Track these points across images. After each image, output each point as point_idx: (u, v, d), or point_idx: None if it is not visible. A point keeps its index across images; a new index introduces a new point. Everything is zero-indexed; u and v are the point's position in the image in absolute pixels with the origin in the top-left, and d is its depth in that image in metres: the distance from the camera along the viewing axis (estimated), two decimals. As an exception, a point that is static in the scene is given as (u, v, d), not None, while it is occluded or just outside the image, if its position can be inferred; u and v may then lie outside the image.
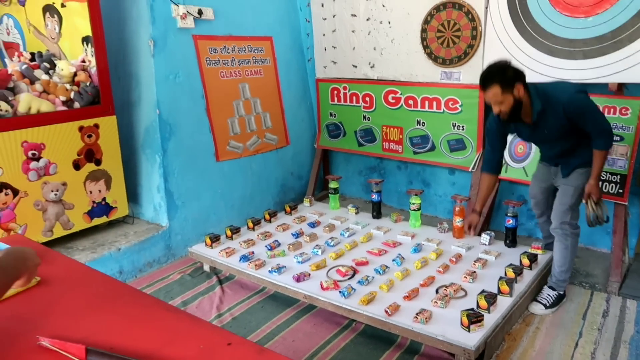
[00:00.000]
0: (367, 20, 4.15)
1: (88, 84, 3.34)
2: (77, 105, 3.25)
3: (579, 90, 2.61)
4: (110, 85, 3.38)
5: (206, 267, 3.47)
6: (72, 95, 3.24)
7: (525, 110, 2.64)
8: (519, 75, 2.57)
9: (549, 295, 2.91)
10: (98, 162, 3.37)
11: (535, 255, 3.08)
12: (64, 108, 3.19)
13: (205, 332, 1.17)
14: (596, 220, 2.78)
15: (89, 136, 3.29)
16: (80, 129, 3.24)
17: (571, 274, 3.03)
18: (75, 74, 3.36)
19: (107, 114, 3.38)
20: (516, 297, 2.72)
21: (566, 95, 2.58)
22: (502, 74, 2.54)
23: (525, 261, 3.02)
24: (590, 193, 2.73)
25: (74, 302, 1.31)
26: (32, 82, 3.16)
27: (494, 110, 2.64)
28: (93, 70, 3.35)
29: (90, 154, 3.31)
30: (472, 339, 2.33)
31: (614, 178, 3.18)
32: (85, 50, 3.42)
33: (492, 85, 2.54)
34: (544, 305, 2.86)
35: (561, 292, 2.94)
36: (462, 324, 2.42)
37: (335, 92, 4.57)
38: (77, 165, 3.25)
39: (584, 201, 2.79)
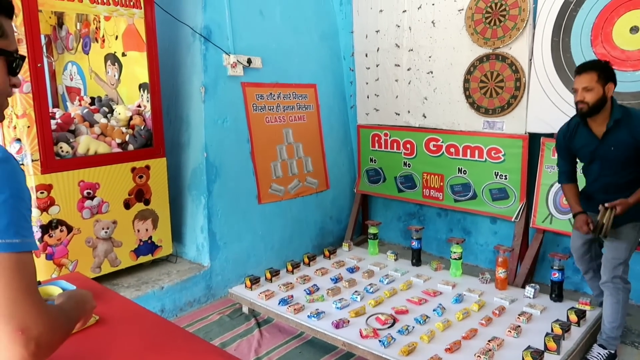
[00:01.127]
0: (409, 70, 4.24)
1: (142, 127, 3.52)
2: (131, 147, 3.42)
3: None
4: (163, 128, 3.55)
5: (245, 309, 3.50)
6: (127, 138, 3.42)
7: (603, 114, 2.62)
8: (613, 78, 2.61)
9: (599, 354, 2.78)
10: (147, 202, 3.50)
11: (584, 312, 2.97)
12: (119, 150, 3.36)
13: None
14: (600, 231, 2.60)
15: (140, 177, 3.44)
16: (133, 169, 3.39)
17: (622, 332, 2.91)
18: (131, 118, 3.55)
19: (158, 156, 3.53)
20: (564, 355, 2.61)
21: None
22: (604, 66, 2.60)
23: (573, 317, 2.92)
24: (616, 204, 2.55)
25: (130, 343, 1.36)
26: (91, 125, 3.36)
27: (578, 97, 2.61)
28: (147, 114, 3.53)
29: (140, 194, 3.45)
30: (518, 398, 2.25)
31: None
32: (142, 95, 3.63)
33: (591, 71, 2.58)
34: None
35: (612, 351, 2.81)
36: (507, 381, 2.35)
37: (376, 138, 4.64)
38: (127, 205, 3.38)
39: (600, 208, 2.61)
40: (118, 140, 3.37)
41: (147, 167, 3.48)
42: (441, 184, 4.24)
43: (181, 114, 3.84)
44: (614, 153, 2.65)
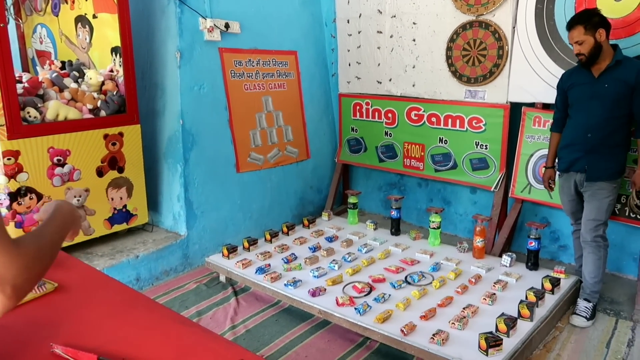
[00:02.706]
0: (391, 37, 4.15)
1: (115, 93, 3.40)
2: (103, 113, 3.31)
3: None
4: (136, 94, 3.44)
5: (222, 278, 3.47)
6: (98, 103, 3.31)
7: (603, 55, 2.74)
8: (604, 22, 2.71)
9: (586, 307, 2.91)
10: (121, 170, 3.42)
11: (558, 280, 3.00)
12: (90, 116, 3.25)
13: (219, 348, 1.16)
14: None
15: (113, 144, 3.34)
16: (105, 136, 3.29)
17: (596, 300, 2.98)
18: (103, 83, 3.43)
19: (132, 123, 3.43)
20: (537, 321, 2.65)
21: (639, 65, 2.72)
22: (587, 17, 2.72)
23: (547, 285, 2.95)
24: (635, 182, 2.85)
25: (89, 310, 1.32)
26: (61, 90, 3.24)
27: (575, 50, 2.77)
28: (120, 79, 3.42)
29: (114, 162, 3.37)
30: (490, 363, 2.27)
31: (642, 203, 3.09)
32: (114, 60, 3.50)
33: (577, 25, 2.72)
34: (585, 317, 2.87)
35: (595, 303, 2.95)
36: (479, 347, 2.37)
37: (358, 107, 4.57)
38: (100, 172, 3.30)
39: (634, 192, 2.96)
40: (89, 106, 3.26)
41: (121, 134, 3.38)
42: (422, 153, 4.21)
43: (156, 80, 3.72)
44: (606, 90, 2.77)
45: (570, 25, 2.77)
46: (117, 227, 3.47)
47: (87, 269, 1.60)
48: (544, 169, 3.23)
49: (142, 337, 1.19)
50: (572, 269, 3.31)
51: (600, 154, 2.81)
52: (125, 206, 3.48)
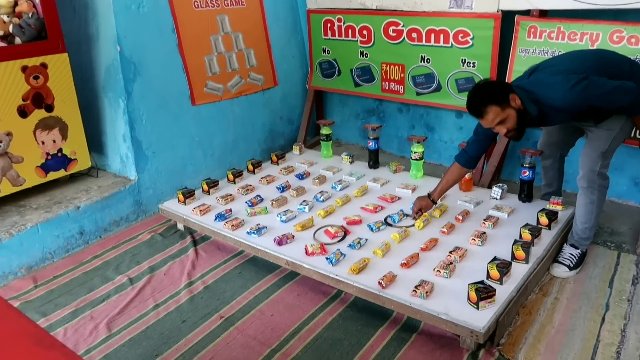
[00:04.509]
0: (364, -64, 3.53)
1: (31, 15, 2.81)
2: (18, 40, 2.74)
3: (573, 84, 2.11)
4: (58, 16, 2.86)
5: (180, 226, 3.09)
6: (11, 28, 2.73)
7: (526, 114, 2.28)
8: (506, 86, 2.29)
9: (571, 254, 2.52)
10: (49, 108, 2.91)
11: (555, 213, 2.66)
12: (2, 44, 2.69)
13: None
14: None
15: (36, 78, 2.81)
16: (24, 69, 2.75)
17: (585, 248, 2.61)
18: (15, 4, 2.82)
19: (57, 51, 2.88)
20: (533, 263, 2.32)
21: (559, 98, 2.17)
22: (491, 92, 2.25)
23: (544, 220, 2.61)
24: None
25: None
26: (-40, 13, 2.65)
27: (501, 132, 2.31)
28: (37, -2, 2.82)
29: (39, 99, 2.85)
30: (481, 318, 1.96)
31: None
32: (26, -27, 2.87)
33: (489, 107, 2.22)
34: (568, 266, 2.48)
35: (584, 251, 2.56)
36: (469, 299, 2.04)
37: (329, 24, 4.00)
38: (23, 112, 2.79)
39: None
40: (0, 32, 2.69)
41: (44, 66, 2.84)
42: (402, 75, 3.72)
43: (85, -2, 3.12)
44: (568, 121, 2.45)
45: (480, 112, 2.25)
46: (54, 175, 3.02)
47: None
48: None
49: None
50: (571, 198, 2.94)
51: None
52: (60, 150, 3.01)
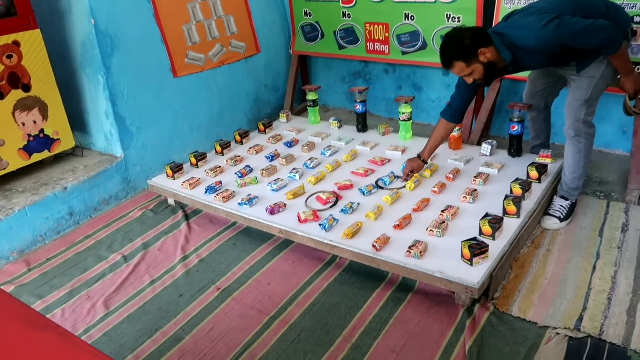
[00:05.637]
0: None
1: (-3, -10, 2.70)
2: (-14, 18, 2.64)
3: (545, 23, 2.10)
4: (27, -10, 2.75)
5: (170, 201, 3.06)
6: (-23, 6, 2.62)
7: (499, 63, 2.31)
8: (478, 39, 2.24)
9: (561, 206, 2.54)
10: (26, 88, 2.82)
11: (545, 166, 2.67)
12: (-30, 23, 2.59)
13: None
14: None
15: (9, 56, 2.72)
16: (-4, 48, 2.66)
17: (584, 182, 2.65)
18: (-20, -21, 2.70)
19: (28, 28, 2.78)
20: (524, 217, 2.34)
21: (532, 38, 2.18)
22: (459, 47, 2.25)
23: (534, 173, 2.62)
24: (625, 89, 2.33)
25: None
26: None
27: (468, 81, 2.36)
28: (2, -28, 2.69)
29: (14, 79, 2.76)
30: (475, 274, 1.98)
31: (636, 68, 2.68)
32: (-12, -54, 2.73)
33: (454, 63, 2.27)
34: (558, 218, 2.51)
35: (574, 201, 2.58)
36: (463, 256, 2.06)
37: (309, -15, 3.89)
38: (-1, 94, 2.72)
39: (627, 97, 2.39)
40: (-34, 10, 2.59)
41: (16, 44, 2.74)
42: (386, 34, 3.65)
43: (52, -31, 2.99)
44: (543, 65, 2.46)
45: (447, 66, 2.29)
46: (38, 156, 2.96)
47: None
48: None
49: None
50: (560, 150, 2.94)
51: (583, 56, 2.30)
52: (42, 130, 2.94)
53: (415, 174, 2.71)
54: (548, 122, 2.87)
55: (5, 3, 2.69)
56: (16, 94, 2.79)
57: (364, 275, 2.30)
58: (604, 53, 2.21)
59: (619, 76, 2.32)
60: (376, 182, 2.75)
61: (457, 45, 2.25)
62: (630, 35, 2.35)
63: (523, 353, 1.82)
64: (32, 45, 2.80)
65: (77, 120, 3.25)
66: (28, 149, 2.90)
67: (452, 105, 2.61)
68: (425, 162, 2.73)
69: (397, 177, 2.78)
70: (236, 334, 2.02)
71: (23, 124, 2.85)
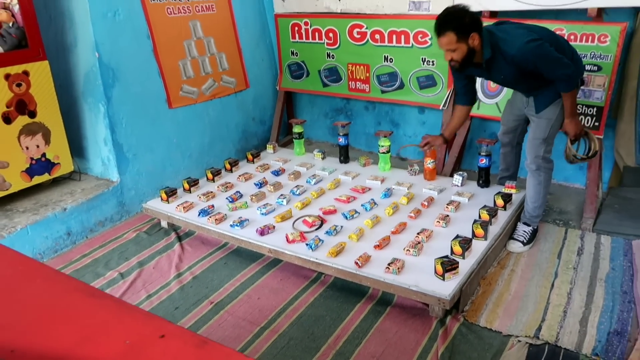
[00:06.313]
0: (327, -55, 3.76)
1: (11, 24, 2.92)
2: (0, 50, 2.85)
3: (530, 40, 2.38)
4: (38, 25, 2.97)
5: (164, 224, 3.24)
6: (-8, 38, 2.83)
7: (477, 56, 2.51)
8: (476, 23, 2.43)
9: (524, 231, 2.82)
10: (32, 114, 3.01)
11: (510, 195, 2.96)
12: (-16, 53, 2.79)
13: (134, 323, 0.96)
14: (585, 156, 2.71)
15: (18, 85, 2.92)
16: (7, 77, 2.86)
17: (544, 211, 2.96)
18: (-5, 14, 2.92)
19: (38, 59, 2.99)
20: (491, 240, 2.60)
21: (515, 46, 2.40)
22: (459, 21, 2.40)
23: (500, 202, 2.90)
24: (567, 131, 2.64)
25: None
26: (-58, 24, 2.74)
27: (445, 57, 2.52)
28: (16, 8, 2.92)
29: (22, 105, 2.95)
30: (447, 287, 2.21)
31: (590, 111, 3.03)
32: (4, -15, 2.97)
33: (447, 32, 2.40)
34: (522, 242, 2.78)
35: (535, 227, 2.86)
36: (436, 272, 2.30)
37: (296, 28, 4.22)
38: (7, 119, 2.89)
39: (569, 141, 2.69)
40: (-19, 42, 2.79)
41: (26, 73, 2.94)
42: (367, 75, 3.97)
43: (61, 7, 3.22)
44: (505, 80, 2.65)
45: (439, 30, 2.43)
46: (38, 179, 3.12)
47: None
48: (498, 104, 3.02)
49: (39, 318, 0.97)
50: (523, 183, 3.25)
51: (541, 93, 2.62)
52: (44, 155, 3.11)
53: (433, 147, 2.99)
54: (518, 157, 3.14)
55: (18, 36, 2.91)
56: (22, 120, 2.97)
57: (347, 291, 2.50)
58: (560, 88, 2.49)
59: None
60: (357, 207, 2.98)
61: (458, 19, 2.39)
62: (581, 84, 2.70)
63: (489, 358, 2.04)
64: (40, 75, 3.01)
65: (76, 146, 3.43)
66: (30, 172, 3.06)
67: (458, 93, 2.87)
68: (446, 140, 2.96)
69: (376, 202, 3.02)
70: (229, 342, 2.19)
71: (27, 148, 3.02)
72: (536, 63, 2.40)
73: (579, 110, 3.05)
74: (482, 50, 2.48)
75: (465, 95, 2.87)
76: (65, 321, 0.97)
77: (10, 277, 1.10)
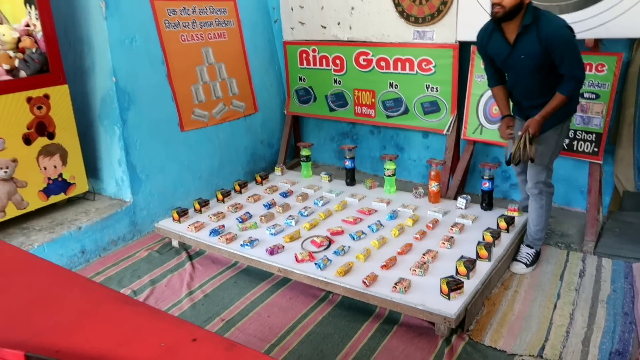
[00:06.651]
0: (335, -23, 3.93)
1: (34, 50, 3.06)
2: (23, 74, 2.98)
3: (568, 27, 2.48)
4: (59, 51, 3.12)
5: (175, 243, 3.32)
6: (16, 63, 2.97)
7: (516, 20, 2.49)
8: None
9: (527, 254, 2.89)
10: (51, 136, 3.13)
11: (512, 218, 3.04)
12: (8, 78, 2.92)
13: (167, 327, 1.04)
14: (519, 158, 2.59)
15: (39, 108, 3.04)
16: (29, 100, 2.98)
17: (547, 234, 3.04)
18: (19, 40, 3.07)
19: (58, 83, 3.12)
20: (495, 261, 2.67)
21: (553, 24, 2.45)
22: None
23: (503, 224, 2.98)
24: (528, 127, 2.55)
25: (15, 298, 1.16)
26: (-30, 50, 2.87)
27: (493, 2, 2.46)
28: (39, 35, 3.07)
29: (42, 127, 3.07)
30: (453, 307, 2.28)
31: (590, 137, 3.13)
32: (29, 13, 3.12)
33: None
34: (525, 264, 2.85)
35: (538, 250, 2.94)
36: (441, 291, 2.36)
37: (304, 55, 4.37)
38: (27, 140, 3.01)
39: (519, 135, 2.61)
40: (6, 67, 2.92)
41: (46, 97, 3.07)
42: (373, 100, 4.10)
43: (81, 34, 3.37)
44: (523, 61, 2.57)
45: None
46: (55, 198, 3.22)
47: (8, 250, 1.41)
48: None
49: (78, 323, 1.06)
50: (523, 205, 3.34)
51: (538, 111, 2.60)
52: (60, 175, 3.22)
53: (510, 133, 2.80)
54: None
55: (40, 61, 3.05)
56: (42, 141, 3.09)
57: (354, 309, 2.57)
58: (563, 88, 2.50)
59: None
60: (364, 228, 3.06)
61: None
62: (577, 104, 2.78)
63: (494, 376, 2.10)
64: (60, 99, 3.14)
65: (91, 167, 3.54)
66: (47, 191, 3.16)
67: (489, 77, 2.86)
68: (512, 116, 2.82)
69: (383, 224, 3.09)
70: (241, 358, 2.25)
71: (45, 168, 3.12)
72: (562, 51, 2.43)
73: (578, 136, 3.16)
74: (525, 13, 2.47)
75: (496, 74, 2.82)
76: (103, 325, 1.05)
77: (51, 285, 1.18)
